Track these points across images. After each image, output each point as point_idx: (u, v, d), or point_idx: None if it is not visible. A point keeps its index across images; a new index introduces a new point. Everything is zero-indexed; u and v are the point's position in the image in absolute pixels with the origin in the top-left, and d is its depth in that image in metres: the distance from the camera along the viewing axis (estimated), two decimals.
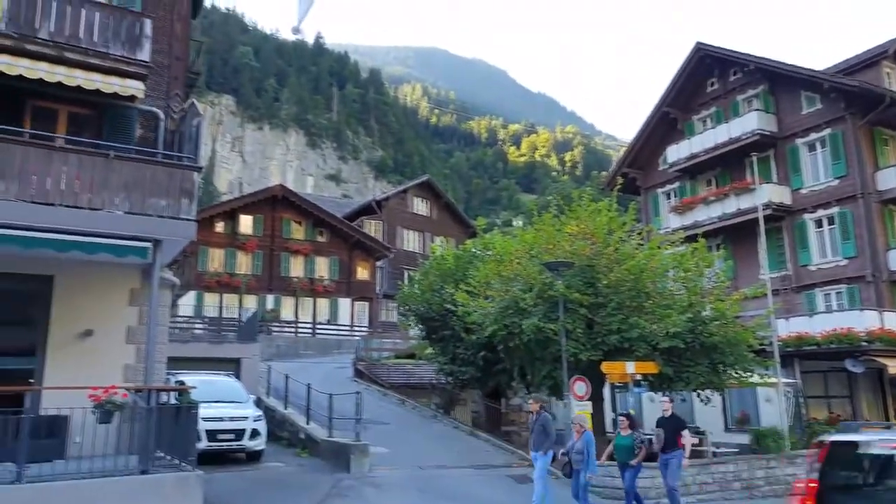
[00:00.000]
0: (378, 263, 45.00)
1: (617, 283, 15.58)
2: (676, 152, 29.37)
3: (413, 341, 27.64)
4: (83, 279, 10.94)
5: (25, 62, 10.62)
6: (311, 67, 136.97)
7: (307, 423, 16.59)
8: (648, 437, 12.80)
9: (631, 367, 14.56)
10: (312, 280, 40.67)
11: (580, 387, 14.32)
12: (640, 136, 31.97)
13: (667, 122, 31.04)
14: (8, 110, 11.09)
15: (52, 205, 9.59)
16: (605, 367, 14.71)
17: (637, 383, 14.78)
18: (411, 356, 28.20)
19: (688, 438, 10.98)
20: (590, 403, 14.39)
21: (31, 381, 10.46)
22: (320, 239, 41.76)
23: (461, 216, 54.62)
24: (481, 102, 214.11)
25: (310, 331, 37.30)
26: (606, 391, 17.26)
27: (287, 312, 39.42)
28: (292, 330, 36.85)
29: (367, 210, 48.90)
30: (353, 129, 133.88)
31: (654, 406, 20.01)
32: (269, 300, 38.97)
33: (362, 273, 43.21)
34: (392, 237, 47.92)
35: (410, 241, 49.92)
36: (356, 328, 39.77)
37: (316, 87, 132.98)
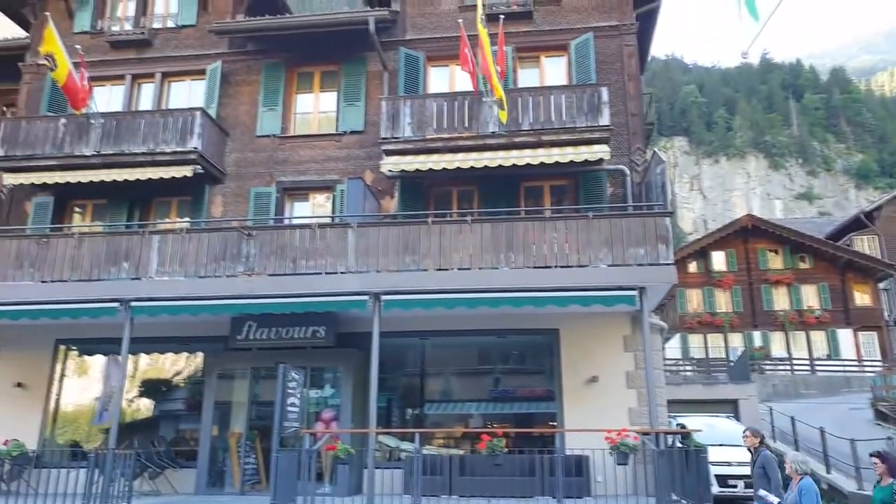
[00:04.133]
0: (881, 285, 38.34)
1: None
2: None
3: None
4: (581, 330, 12.11)
5: (514, 153, 12.68)
6: (761, 87, 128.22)
7: (827, 472, 14.80)
8: None
9: None
10: (801, 311, 36.89)
11: None
12: None
13: None
14: (507, 193, 13.35)
15: (549, 267, 10.99)
16: None
17: None
18: None
19: None
20: None
21: (553, 423, 11.93)
22: (802, 265, 37.84)
23: None
24: None
25: (807, 368, 33.64)
26: None
27: (777, 349, 36.45)
28: (786, 367, 33.78)
29: (855, 225, 42.54)
30: (820, 139, 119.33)
31: None
32: (756, 337, 36.69)
33: (861, 298, 37.33)
34: (893, 252, 40.42)
35: None
36: (865, 363, 34.28)
37: (770, 105, 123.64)
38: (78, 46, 14.05)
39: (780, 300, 37.37)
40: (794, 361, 34.18)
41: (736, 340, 36.15)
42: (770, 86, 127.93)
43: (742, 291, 37.45)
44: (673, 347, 34.91)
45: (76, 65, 13.15)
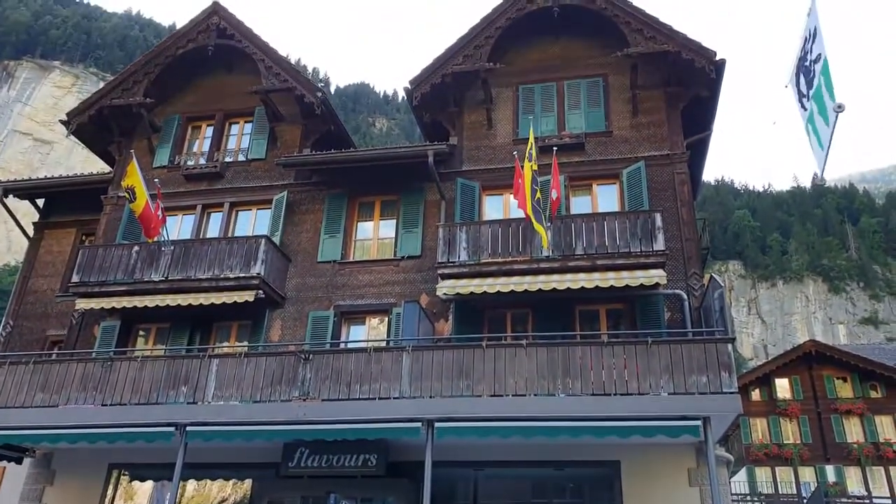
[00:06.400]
0: None
1: None
2: None
3: None
4: (644, 461, 11.50)
5: (569, 276, 12.73)
6: (815, 211, 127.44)
7: None
8: None
9: None
10: (877, 444, 34.42)
11: None
12: None
13: None
14: (562, 317, 13.25)
15: (608, 395, 10.62)
16: None
17: None
18: None
19: None
20: None
21: None
22: (874, 394, 35.79)
23: None
24: None
25: None
26: None
27: (854, 485, 33.76)
28: None
29: None
30: (881, 262, 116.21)
31: None
32: (829, 471, 34.16)
33: None
34: None
35: None
36: None
37: (825, 229, 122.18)
38: (156, 180, 15.11)
39: (852, 431, 35.13)
40: (874, 500, 31.50)
41: (807, 475, 33.79)
42: (824, 209, 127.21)
43: (810, 421, 35.41)
44: (739, 481, 32.72)
45: (153, 196, 14.05)
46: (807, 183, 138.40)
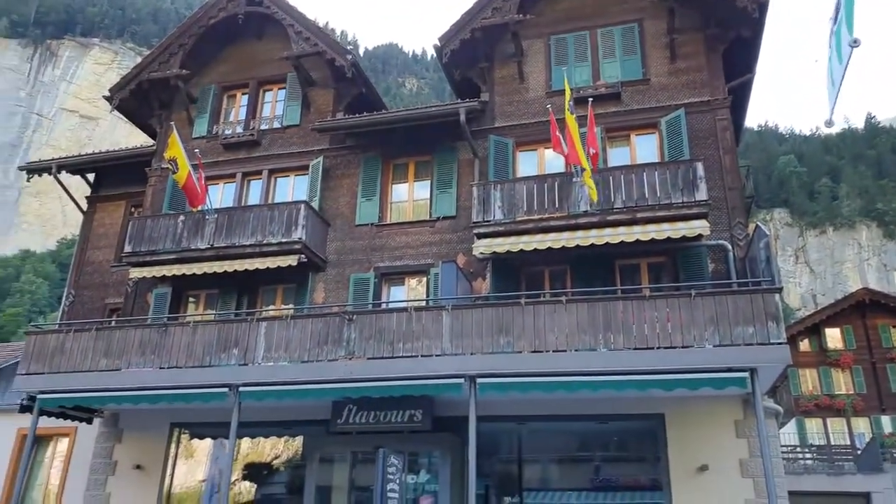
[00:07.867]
0: None
1: None
2: None
3: None
4: (689, 414, 11.50)
5: (609, 231, 12.59)
6: (868, 152, 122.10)
7: None
8: None
9: None
10: None
11: None
12: None
13: None
14: (601, 273, 13.17)
15: (651, 348, 10.58)
16: None
17: None
18: None
19: None
20: None
21: None
22: None
23: None
24: None
25: None
26: None
27: None
28: None
29: None
30: None
31: None
32: (885, 422, 33.45)
33: None
34: None
35: None
36: None
37: (879, 171, 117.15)
38: (196, 150, 15.39)
39: None
40: None
41: (861, 425, 33.15)
42: (878, 150, 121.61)
43: (864, 371, 34.56)
44: (789, 433, 32.38)
45: (195, 166, 14.35)
46: (859, 124, 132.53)
